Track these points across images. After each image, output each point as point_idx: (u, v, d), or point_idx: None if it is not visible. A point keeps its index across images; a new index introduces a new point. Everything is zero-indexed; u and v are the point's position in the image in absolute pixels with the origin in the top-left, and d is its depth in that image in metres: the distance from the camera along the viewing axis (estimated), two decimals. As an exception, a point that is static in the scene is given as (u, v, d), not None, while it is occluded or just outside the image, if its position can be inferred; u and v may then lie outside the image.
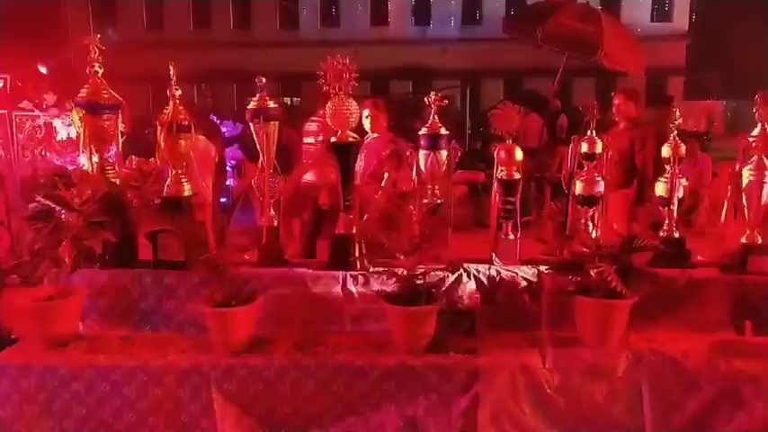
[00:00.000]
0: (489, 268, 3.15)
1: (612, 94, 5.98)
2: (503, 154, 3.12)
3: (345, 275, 3.10)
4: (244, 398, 2.72)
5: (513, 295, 3.09)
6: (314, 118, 5.28)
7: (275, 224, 3.21)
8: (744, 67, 25.98)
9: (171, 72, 3.04)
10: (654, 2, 26.16)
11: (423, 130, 3.17)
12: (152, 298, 3.11)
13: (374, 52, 24.36)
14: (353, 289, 3.08)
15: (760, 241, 3.06)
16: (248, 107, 3.14)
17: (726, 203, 3.17)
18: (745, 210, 3.05)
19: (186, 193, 3.16)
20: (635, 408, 2.70)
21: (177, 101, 3.08)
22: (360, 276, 3.08)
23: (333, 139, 3.16)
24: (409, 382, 2.75)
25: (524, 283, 3.09)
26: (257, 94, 3.12)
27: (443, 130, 3.15)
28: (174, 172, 3.17)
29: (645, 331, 2.95)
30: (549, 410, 2.75)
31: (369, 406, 2.76)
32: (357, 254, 3.10)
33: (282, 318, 3.11)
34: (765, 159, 3.01)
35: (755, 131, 3.02)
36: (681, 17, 26.46)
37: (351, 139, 3.12)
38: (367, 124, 4.81)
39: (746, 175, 3.02)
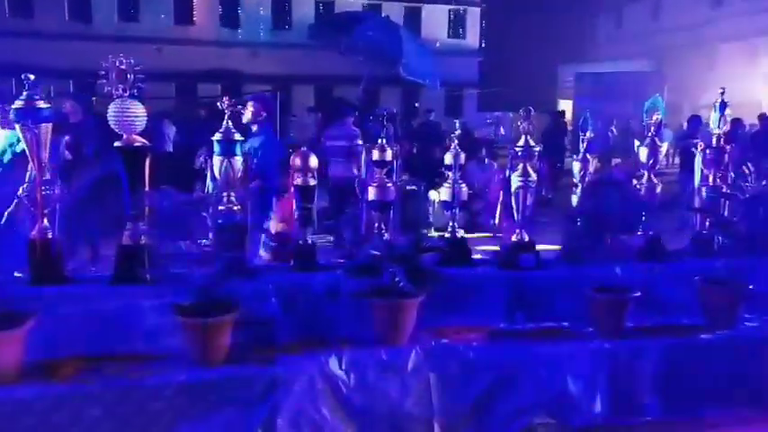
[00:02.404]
0: (289, 274, 3.16)
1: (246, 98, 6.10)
2: (298, 161, 3.16)
3: (134, 290, 2.91)
4: (10, 436, 2.42)
5: (313, 300, 3.13)
6: None
7: (50, 237, 2.90)
8: (526, 82, 29.36)
9: None
10: (449, 20, 28.36)
11: (216, 136, 3.09)
12: None
13: (179, 52, 23.28)
14: (144, 303, 2.90)
15: (527, 239, 3.46)
16: (13, 107, 2.81)
17: (499, 205, 3.53)
18: (515, 211, 3.43)
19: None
20: (424, 399, 2.88)
21: None
22: (150, 290, 2.91)
23: (118, 144, 2.95)
24: (206, 396, 2.66)
25: (323, 288, 3.15)
26: (24, 93, 2.81)
27: (238, 136, 3.10)
28: None
29: (434, 327, 3.18)
30: (347, 410, 2.82)
31: (162, 427, 2.61)
32: (146, 266, 2.92)
33: (62, 341, 2.83)
34: (529, 167, 3.41)
35: (521, 142, 3.41)
36: (473, 35, 29.03)
37: (137, 144, 2.94)
38: None
39: (515, 180, 3.40)
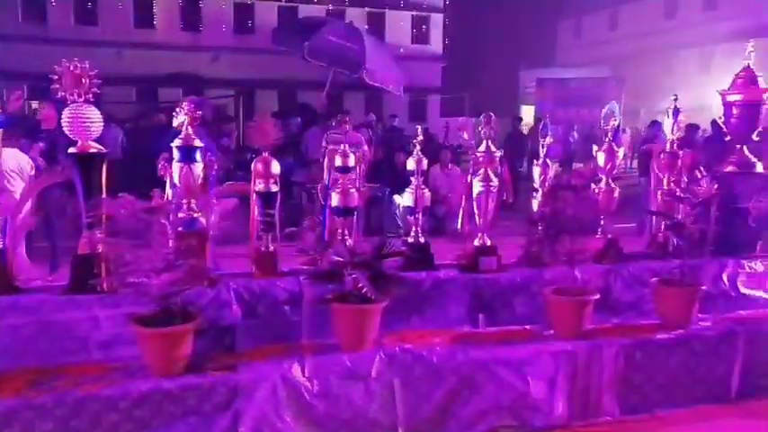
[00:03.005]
0: (250, 282, 3.12)
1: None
2: (259, 166, 3.13)
3: (90, 299, 2.84)
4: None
5: (275, 307, 3.11)
6: None
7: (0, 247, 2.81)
8: (488, 87, 29.73)
9: None
10: (413, 25, 28.50)
11: (176, 142, 3.04)
12: None
13: (140, 56, 22.81)
14: (100, 313, 2.83)
15: (489, 243, 3.49)
16: (-41, 112, 2.71)
17: (461, 210, 3.56)
18: (476, 216, 3.46)
19: None
20: (389, 404, 2.87)
21: None
22: (107, 299, 2.84)
23: (72, 150, 2.88)
24: (165, 407, 2.60)
25: (285, 295, 3.12)
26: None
27: (198, 142, 3.05)
28: None
29: (397, 331, 3.18)
30: (310, 417, 2.80)
31: (120, 439, 2.55)
32: (103, 275, 2.85)
33: (14, 352, 2.74)
34: (491, 172, 3.45)
35: (482, 147, 3.44)
36: (436, 41, 29.22)
37: (93, 150, 2.87)
38: None
39: (476, 185, 3.43)
